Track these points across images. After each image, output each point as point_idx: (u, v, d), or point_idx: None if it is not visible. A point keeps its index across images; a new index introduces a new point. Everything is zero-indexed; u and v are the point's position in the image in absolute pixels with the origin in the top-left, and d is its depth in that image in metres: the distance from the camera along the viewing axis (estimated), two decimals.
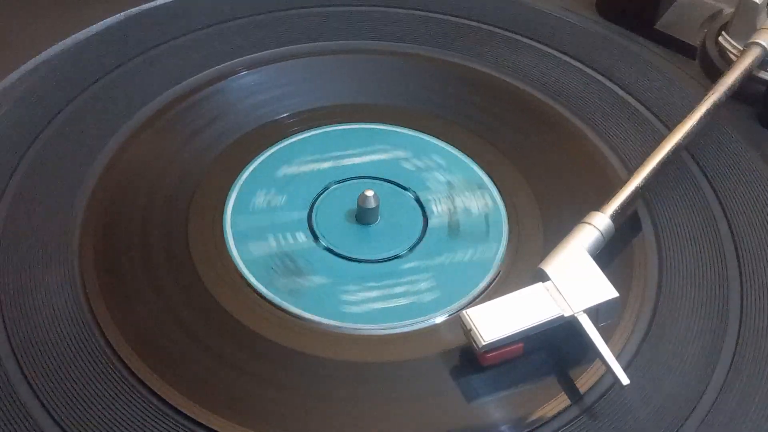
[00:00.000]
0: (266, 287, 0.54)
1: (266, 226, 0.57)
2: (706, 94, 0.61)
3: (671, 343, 0.51)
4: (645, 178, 0.56)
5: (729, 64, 0.66)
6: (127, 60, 0.67)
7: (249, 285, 0.54)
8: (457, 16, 0.73)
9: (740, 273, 0.55)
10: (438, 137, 0.64)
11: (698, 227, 0.58)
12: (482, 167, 0.62)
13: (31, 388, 0.47)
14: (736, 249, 0.56)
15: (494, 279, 0.55)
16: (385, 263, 0.56)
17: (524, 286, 0.50)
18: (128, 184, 0.59)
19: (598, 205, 0.54)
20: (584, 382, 0.49)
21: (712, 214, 0.58)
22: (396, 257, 0.56)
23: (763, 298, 0.54)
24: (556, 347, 0.51)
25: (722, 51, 0.69)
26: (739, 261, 0.56)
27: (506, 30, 0.72)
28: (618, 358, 0.49)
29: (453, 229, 0.58)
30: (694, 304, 0.53)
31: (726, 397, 0.49)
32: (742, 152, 0.62)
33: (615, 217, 0.53)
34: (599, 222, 0.53)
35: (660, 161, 0.57)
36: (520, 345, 0.49)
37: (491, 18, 0.73)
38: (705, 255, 0.56)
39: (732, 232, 0.57)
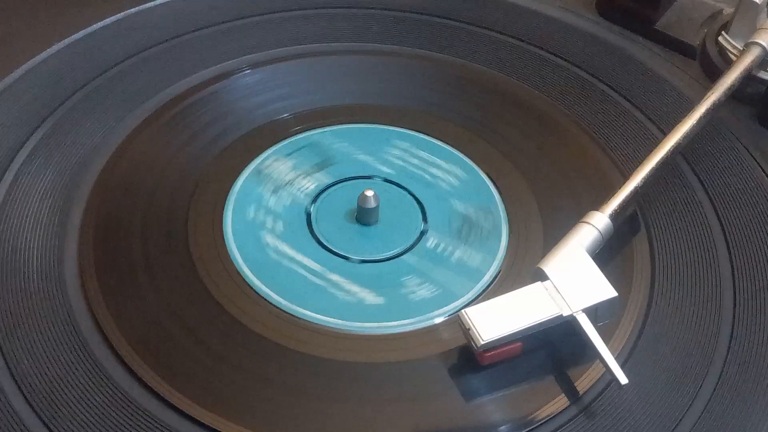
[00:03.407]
0: (266, 286, 0.54)
1: (266, 226, 0.57)
2: (705, 94, 0.61)
3: (669, 342, 0.52)
4: (644, 177, 0.56)
5: (729, 64, 0.66)
6: (127, 59, 0.67)
7: (249, 285, 0.54)
8: (456, 20, 0.73)
9: (732, 273, 0.55)
10: (438, 137, 0.64)
11: (697, 227, 0.58)
12: (482, 167, 0.62)
13: (21, 390, 0.47)
14: (728, 249, 0.56)
15: (494, 279, 0.55)
16: (384, 263, 0.56)
17: (523, 286, 0.50)
18: (128, 184, 0.59)
19: (598, 206, 0.54)
20: (583, 381, 0.49)
21: (709, 214, 0.58)
22: (395, 257, 0.56)
23: (756, 298, 0.54)
24: (555, 347, 0.51)
25: (722, 51, 0.69)
26: (731, 261, 0.56)
27: (506, 31, 0.72)
28: (617, 357, 0.49)
29: (453, 229, 0.58)
30: (691, 304, 0.53)
31: (720, 397, 0.49)
32: (742, 152, 0.62)
33: (614, 216, 0.53)
34: (598, 221, 0.53)
35: (659, 161, 0.57)
36: (519, 344, 0.49)
37: (491, 19, 0.73)
38: (704, 255, 0.56)
39: (729, 232, 0.57)
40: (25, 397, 0.47)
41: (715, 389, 0.49)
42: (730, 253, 0.56)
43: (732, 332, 0.52)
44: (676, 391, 0.49)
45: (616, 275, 0.52)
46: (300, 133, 0.64)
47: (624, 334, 0.52)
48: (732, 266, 0.55)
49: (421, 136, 0.64)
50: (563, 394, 0.49)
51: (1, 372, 0.48)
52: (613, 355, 0.48)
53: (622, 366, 0.49)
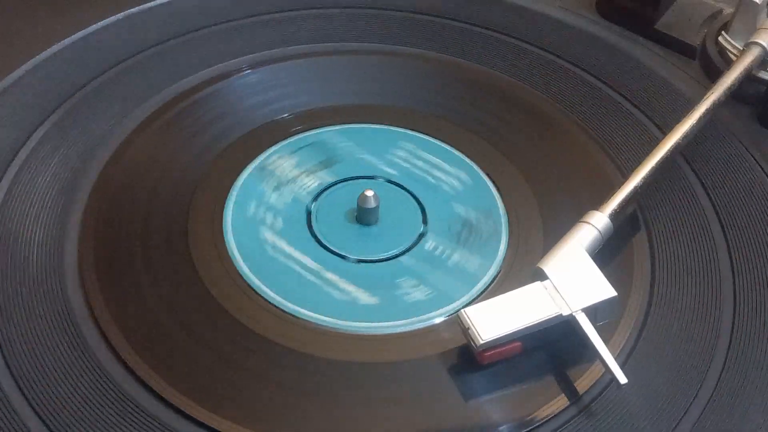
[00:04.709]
0: (266, 286, 0.54)
1: (266, 226, 0.57)
2: (705, 94, 0.61)
3: (669, 342, 0.52)
4: (644, 177, 0.56)
5: (729, 64, 0.66)
6: (127, 60, 0.67)
7: (249, 285, 0.54)
8: (456, 20, 0.73)
9: (733, 273, 0.55)
10: (438, 137, 0.64)
11: (697, 227, 0.58)
12: (482, 167, 0.62)
13: (21, 390, 0.47)
14: (728, 249, 0.56)
15: (494, 279, 0.55)
16: (384, 263, 0.56)
17: (523, 286, 0.50)
18: (128, 184, 0.59)
19: (598, 205, 0.54)
20: (582, 381, 0.49)
21: (709, 214, 0.58)
22: (395, 257, 0.56)
23: (755, 298, 0.54)
24: (554, 347, 0.51)
25: (722, 51, 0.69)
26: (731, 261, 0.56)
27: (506, 31, 0.72)
28: (617, 357, 0.49)
29: (452, 229, 0.58)
30: (691, 304, 0.53)
31: (720, 396, 0.49)
32: (742, 152, 0.62)
33: (614, 216, 0.53)
34: (598, 221, 0.53)
35: (659, 161, 0.57)
36: (519, 344, 0.49)
37: (491, 18, 0.73)
38: (704, 254, 0.56)
39: (729, 232, 0.57)
40: (26, 397, 0.47)
41: (714, 389, 0.49)
42: (730, 253, 0.56)
43: (732, 331, 0.52)
44: (676, 390, 0.49)
45: (616, 275, 0.52)
46: (300, 132, 0.64)
47: (624, 334, 0.52)
48: (732, 266, 0.56)
49: (421, 136, 0.64)
50: (563, 394, 0.49)
51: (1, 372, 0.48)
52: (612, 355, 0.48)
53: (622, 366, 0.49)
